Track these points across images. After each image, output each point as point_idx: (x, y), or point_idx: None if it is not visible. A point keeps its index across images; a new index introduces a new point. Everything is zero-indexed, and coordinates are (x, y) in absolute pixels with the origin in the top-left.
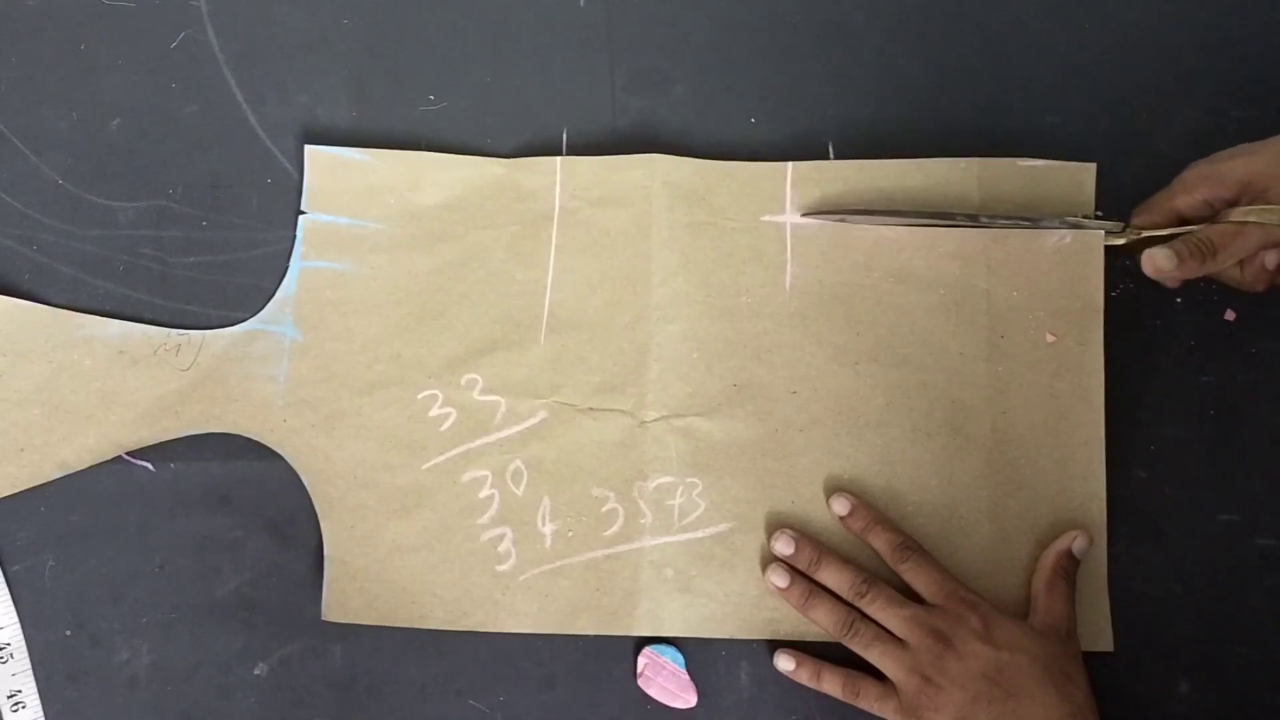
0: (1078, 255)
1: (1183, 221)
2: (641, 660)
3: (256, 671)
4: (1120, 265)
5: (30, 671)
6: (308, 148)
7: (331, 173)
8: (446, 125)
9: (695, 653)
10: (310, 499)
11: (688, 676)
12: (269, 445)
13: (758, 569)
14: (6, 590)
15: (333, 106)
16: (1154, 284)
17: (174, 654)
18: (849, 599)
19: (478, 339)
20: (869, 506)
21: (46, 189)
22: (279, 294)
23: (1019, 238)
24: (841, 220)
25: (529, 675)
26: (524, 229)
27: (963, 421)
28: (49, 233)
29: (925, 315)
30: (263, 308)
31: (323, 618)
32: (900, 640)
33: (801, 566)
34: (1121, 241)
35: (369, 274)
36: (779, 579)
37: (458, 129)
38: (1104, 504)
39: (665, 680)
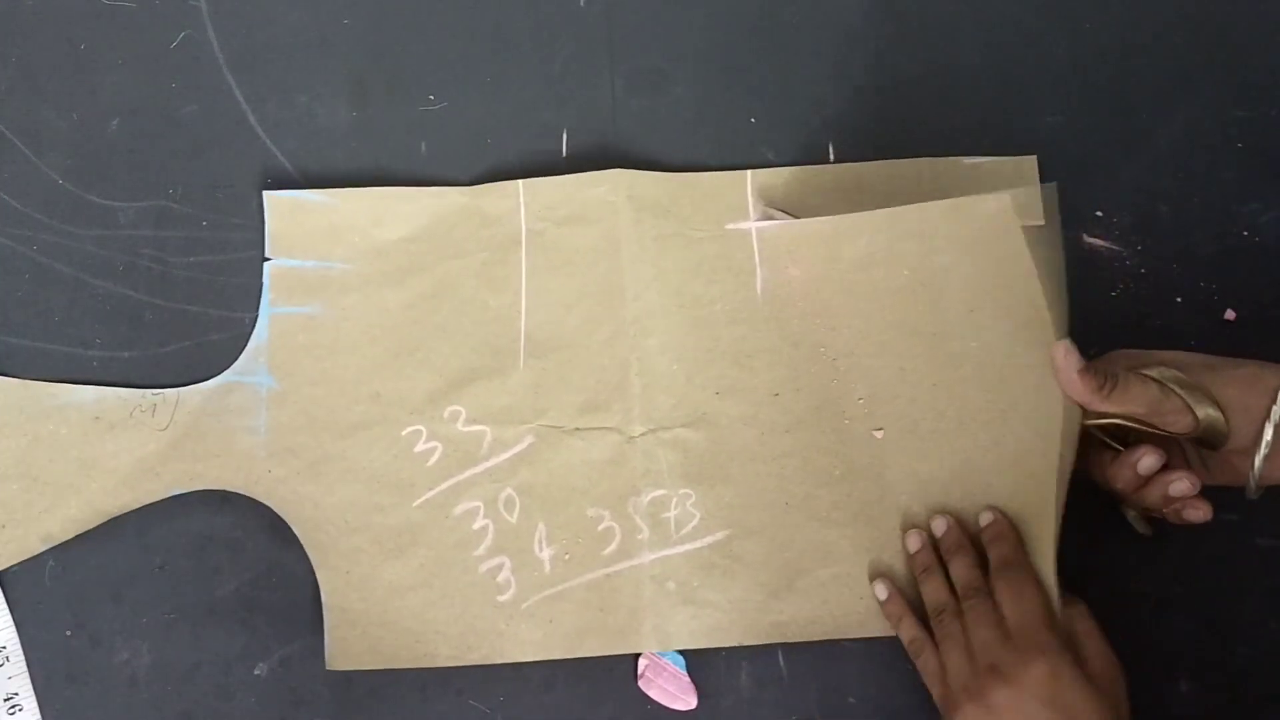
0: (1005, 220)
1: None
2: (642, 662)
3: (256, 671)
4: (1120, 264)
5: (27, 674)
6: (266, 194)
7: (292, 216)
8: (446, 125)
9: (695, 654)
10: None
11: (688, 678)
12: (255, 498)
13: (759, 573)
14: (1, 593)
15: (333, 106)
16: (1154, 283)
17: (174, 654)
18: (961, 593)
19: (457, 370)
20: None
21: (46, 189)
22: (251, 343)
23: (968, 205)
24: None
25: (529, 676)
26: (493, 255)
27: (945, 405)
28: (49, 233)
29: (894, 299)
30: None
31: (327, 667)
32: (971, 653)
33: (942, 546)
34: None
35: (340, 315)
36: (913, 541)
37: (458, 129)
38: (1053, 493)
39: (665, 682)
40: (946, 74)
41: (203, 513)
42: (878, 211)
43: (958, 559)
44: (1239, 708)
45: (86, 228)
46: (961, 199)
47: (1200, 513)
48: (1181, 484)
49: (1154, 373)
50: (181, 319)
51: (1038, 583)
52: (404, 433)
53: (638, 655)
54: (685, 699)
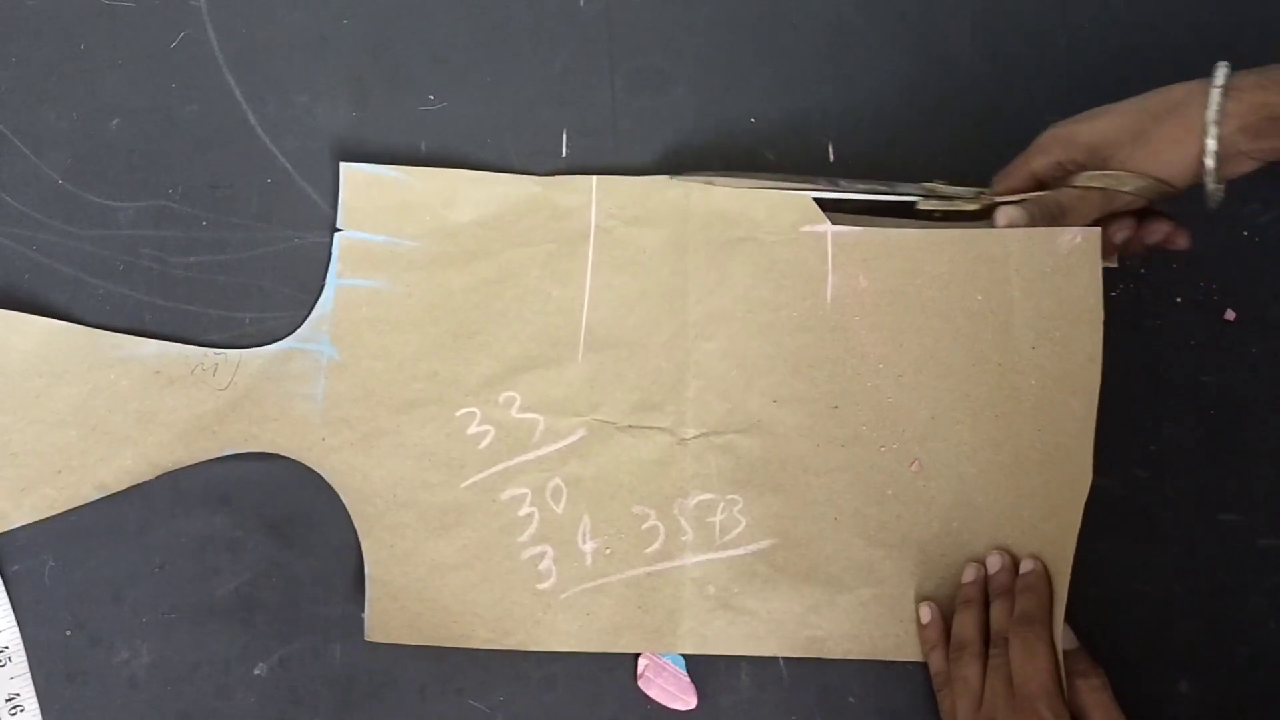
0: (1084, 256)
1: (1039, 185)
2: (642, 661)
3: (256, 671)
4: (1122, 266)
5: (29, 674)
6: (343, 165)
7: (367, 190)
8: (446, 125)
9: (695, 654)
10: (309, 503)
11: (688, 678)
12: (307, 464)
13: (800, 586)
14: (5, 593)
15: (333, 106)
16: (1154, 283)
17: (174, 654)
18: (992, 638)
19: (515, 357)
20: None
21: (46, 189)
22: (315, 312)
23: (1041, 237)
24: (710, 182)
25: (529, 675)
26: (560, 247)
27: (1003, 438)
28: (49, 233)
29: (966, 323)
30: (262, 308)
31: (366, 638)
32: (980, 701)
33: (990, 585)
34: (975, 207)
35: (405, 291)
36: (969, 572)
37: (458, 129)
38: (1070, 552)
39: (665, 681)
40: (947, 74)
41: (203, 513)
42: (960, 229)
43: (1000, 603)
44: (1239, 708)
45: (86, 228)
46: (1045, 229)
47: (1183, 240)
48: (1157, 233)
49: (1091, 181)
50: (181, 319)
51: (1052, 646)
52: (458, 414)
53: (638, 655)
54: (685, 699)
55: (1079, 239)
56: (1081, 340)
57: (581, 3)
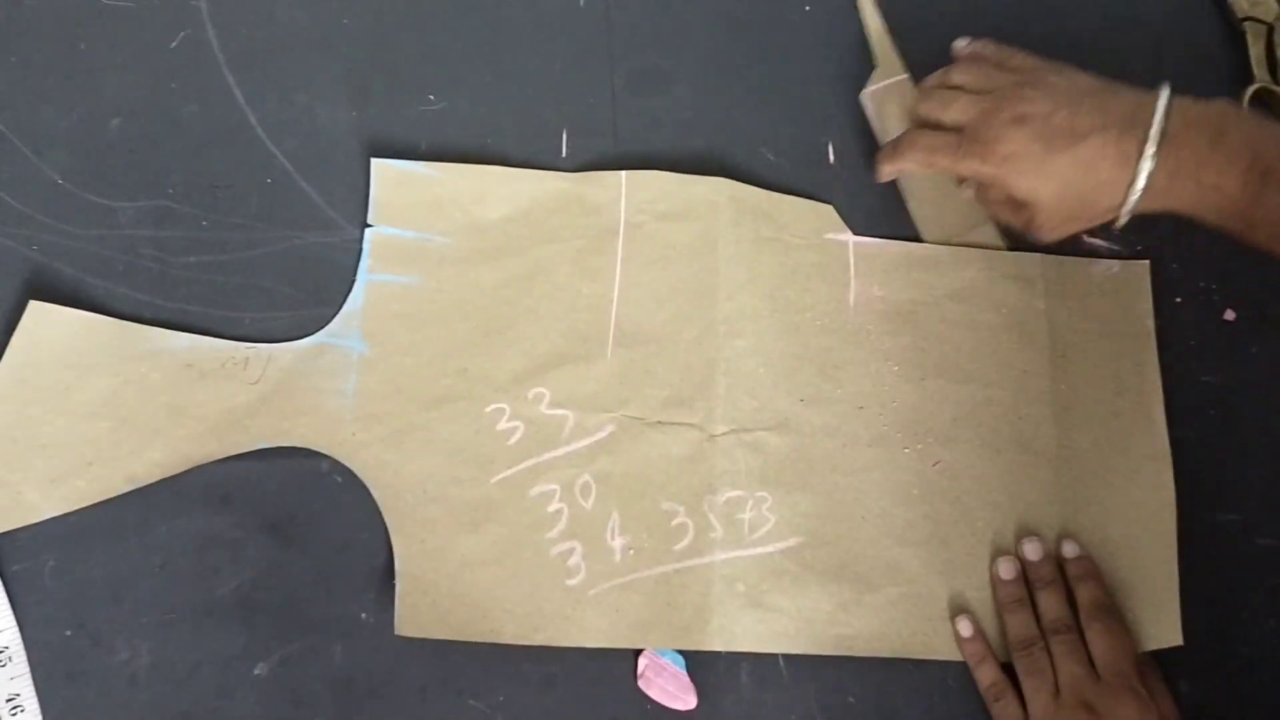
0: (1127, 284)
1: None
2: (642, 661)
3: (256, 671)
4: None
5: (29, 674)
6: (374, 161)
7: (398, 186)
8: (446, 125)
9: (695, 654)
10: (309, 503)
11: (688, 678)
12: (338, 459)
13: (829, 584)
14: (5, 593)
15: (333, 106)
16: (1155, 283)
17: (174, 654)
18: (1048, 627)
19: (544, 353)
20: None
21: (46, 189)
22: (346, 307)
23: (1072, 264)
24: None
25: (529, 675)
26: (589, 243)
27: (1029, 438)
28: (49, 233)
29: (989, 333)
30: (262, 308)
31: (396, 633)
32: (1057, 690)
33: (1032, 576)
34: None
35: (435, 287)
36: (1007, 569)
37: (458, 129)
38: (1174, 512)
39: (665, 681)
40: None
41: (203, 513)
42: (979, 250)
43: (1050, 592)
44: (1239, 708)
45: (86, 228)
46: (1075, 259)
47: None
48: None
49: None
50: (181, 319)
51: (1127, 629)
52: (487, 410)
53: (638, 655)
54: (685, 699)
55: (1115, 268)
56: (1126, 351)
57: (581, 3)
